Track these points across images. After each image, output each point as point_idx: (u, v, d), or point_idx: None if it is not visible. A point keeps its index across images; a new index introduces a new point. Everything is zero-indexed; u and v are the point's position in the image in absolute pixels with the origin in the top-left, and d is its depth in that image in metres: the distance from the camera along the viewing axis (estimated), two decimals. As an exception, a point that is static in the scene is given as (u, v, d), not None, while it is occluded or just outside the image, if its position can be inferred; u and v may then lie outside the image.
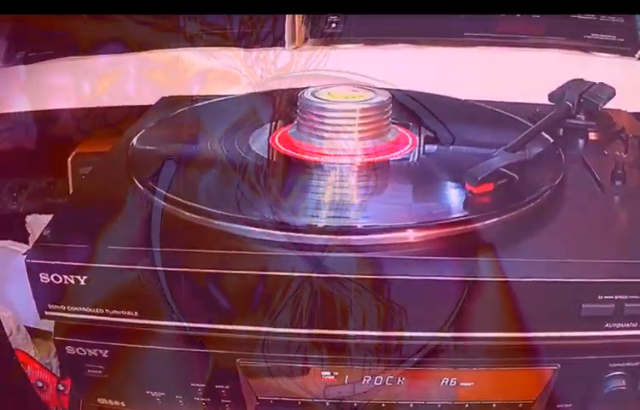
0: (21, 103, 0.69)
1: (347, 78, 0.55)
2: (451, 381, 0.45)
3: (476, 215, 0.44)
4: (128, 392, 0.45)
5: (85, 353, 0.43)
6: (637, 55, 0.69)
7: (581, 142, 0.55)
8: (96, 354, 0.43)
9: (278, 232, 0.42)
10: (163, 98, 0.63)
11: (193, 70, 0.65)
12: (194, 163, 0.51)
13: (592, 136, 0.56)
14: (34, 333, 0.68)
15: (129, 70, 0.67)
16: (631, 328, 0.42)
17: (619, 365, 0.44)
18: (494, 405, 0.46)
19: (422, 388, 0.45)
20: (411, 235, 0.42)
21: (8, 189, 0.79)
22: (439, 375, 0.45)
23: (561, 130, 0.56)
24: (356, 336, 0.42)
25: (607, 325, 0.42)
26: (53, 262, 0.40)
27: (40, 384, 0.62)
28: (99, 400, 0.46)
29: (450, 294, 0.41)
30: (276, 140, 0.52)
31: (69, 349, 0.43)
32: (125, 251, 0.41)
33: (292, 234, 0.41)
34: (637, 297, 0.41)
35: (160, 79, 0.67)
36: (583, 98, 0.55)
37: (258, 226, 0.42)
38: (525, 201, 0.46)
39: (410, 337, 0.42)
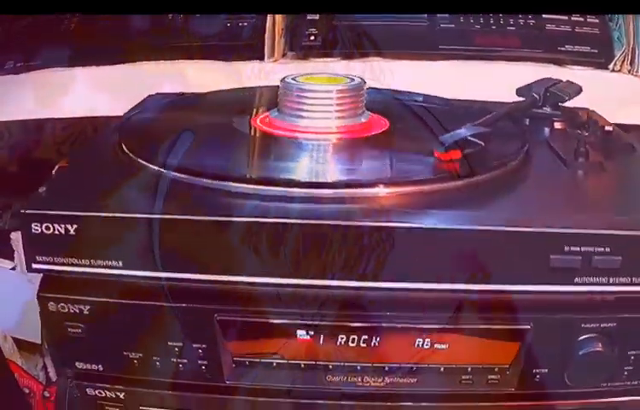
0: (6, 114, 0.75)
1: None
2: (425, 342, 0.48)
3: (443, 176, 0.49)
4: (106, 354, 0.48)
5: (67, 310, 0.47)
6: (610, 67, 0.76)
7: (546, 130, 0.60)
8: (77, 311, 0.47)
9: (256, 186, 0.46)
10: (149, 96, 0.69)
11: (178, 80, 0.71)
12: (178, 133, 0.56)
13: (557, 125, 0.61)
14: (21, 346, 0.72)
15: (113, 82, 0.73)
16: (601, 284, 0.46)
17: (592, 326, 0.47)
18: (469, 369, 0.49)
19: (396, 349, 0.48)
20: (381, 190, 0.47)
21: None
22: (413, 336, 0.48)
23: (528, 120, 0.62)
24: (330, 287, 0.45)
25: (576, 279, 0.45)
26: (46, 212, 0.45)
27: (27, 391, 0.68)
28: (77, 364, 0.49)
29: (418, 244, 0.45)
30: (258, 121, 0.58)
31: (51, 306, 0.47)
32: (113, 202, 0.46)
33: (268, 188, 0.46)
34: (603, 250, 0.45)
35: (144, 92, 0.72)
36: (549, 92, 0.61)
37: (235, 181, 0.47)
38: (491, 166, 0.51)
39: (382, 288, 0.46)
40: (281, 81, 0.57)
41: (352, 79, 0.57)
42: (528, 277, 0.46)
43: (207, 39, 0.75)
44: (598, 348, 0.47)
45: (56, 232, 0.45)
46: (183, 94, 0.69)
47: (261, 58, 0.76)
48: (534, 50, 0.75)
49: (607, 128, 0.58)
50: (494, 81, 0.74)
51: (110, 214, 0.45)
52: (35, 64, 0.74)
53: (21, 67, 0.74)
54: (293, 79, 0.57)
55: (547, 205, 0.49)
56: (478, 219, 0.45)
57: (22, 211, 0.45)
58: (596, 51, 0.75)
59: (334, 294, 0.46)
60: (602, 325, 0.47)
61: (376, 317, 0.47)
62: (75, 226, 0.45)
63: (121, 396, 0.51)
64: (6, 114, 0.74)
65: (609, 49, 0.76)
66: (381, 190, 0.47)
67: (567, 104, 0.64)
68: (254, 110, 0.60)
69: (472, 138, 0.51)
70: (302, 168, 0.51)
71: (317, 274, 0.45)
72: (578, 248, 0.45)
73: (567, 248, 0.45)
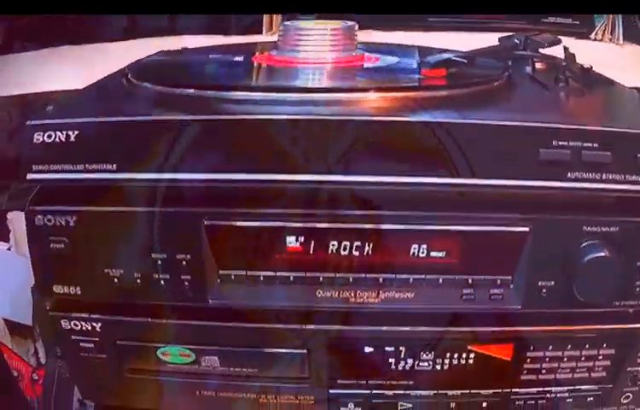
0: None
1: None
2: (421, 248, 0.47)
3: (429, 86, 0.51)
4: (86, 272, 0.47)
5: (53, 222, 0.46)
6: (592, 36, 0.78)
7: (528, 68, 0.61)
8: (62, 223, 0.46)
9: (251, 93, 0.48)
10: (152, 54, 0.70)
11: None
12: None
13: (538, 65, 0.62)
14: (14, 332, 0.72)
15: (116, 56, 0.74)
16: (595, 180, 0.45)
17: (594, 230, 0.46)
18: (470, 280, 0.47)
19: (391, 257, 0.47)
20: (372, 95, 0.49)
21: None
22: (408, 241, 0.47)
23: (510, 62, 0.62)
24: (323, 182, 0.45)
25: (569, 174, 0.45)
26: (50, 121, 0.45)
27: (16, 374, 0.68)
28: (55, 288, 0.48)
29: (407, 138, 0.45)
30: (258, 58, 0.61)
31: (38, 220, 0.46)
32: (113, 110, 0.47)
33: (263, 93, 0.48)
34: (591, 145, 0.45)
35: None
36: (530, 39, 0.63)
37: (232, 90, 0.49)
38: (475, 81, 0.52)
39: (372, 182, 0.45)
40: (280, 25, 0.60)
41: (346, 22, 0.60)
42: (521, 172, 0.45)
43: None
44: (603, 253, 0.46)
45: (57, 140, 0.45)
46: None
47: (259, 32, 0.79)
48: (518, 22, 0.78)
49: (585, 66, 0.59)
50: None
51: (110, 119, 0.46)
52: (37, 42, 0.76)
53: (28, 46, 0.76)
54: (291, 21, 0.60)
55: (531, 111, 0.49)
56: (464, 116, 0.45)
57: (28, 123, 0.46)
58: (577, 23, 0.78)
59: (326, 191, 0.45)
60: (604, 230, 0.46)
61: (367, 217, 0.46)
62: (77, 132, 0.45)
63: (97, 328, 0.49)
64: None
65: (590, 20, 0.79)
66: (371, 95, 0.48)
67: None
68: (255, 53, 0.63)
69: (456, 58, 0.52)
70: (297, 80, 0.54)
71: (310, 169, 0.45)
72: (566, 143, 0.45)
73: (555, 142, 0.45)
